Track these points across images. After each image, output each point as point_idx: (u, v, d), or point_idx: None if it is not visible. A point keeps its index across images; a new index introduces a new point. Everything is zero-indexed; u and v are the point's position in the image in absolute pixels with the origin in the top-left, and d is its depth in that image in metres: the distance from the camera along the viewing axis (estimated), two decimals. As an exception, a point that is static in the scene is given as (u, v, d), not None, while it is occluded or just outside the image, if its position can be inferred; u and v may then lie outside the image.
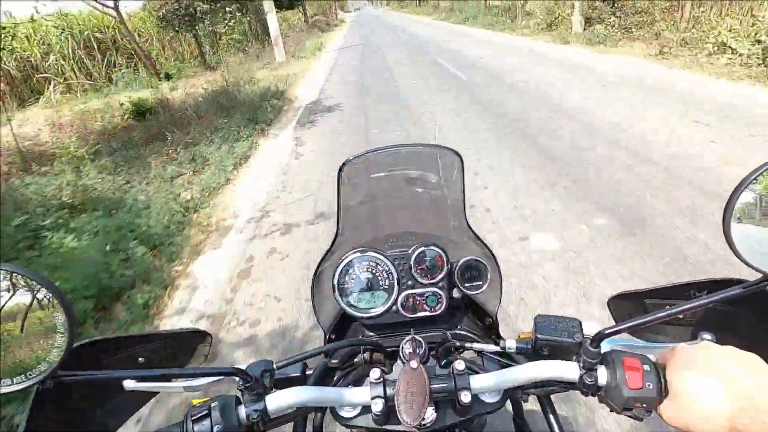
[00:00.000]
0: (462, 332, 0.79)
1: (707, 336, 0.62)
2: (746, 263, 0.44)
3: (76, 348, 0.58)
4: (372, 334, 0.80)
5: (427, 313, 0.78)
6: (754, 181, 0.43)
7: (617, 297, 0.71)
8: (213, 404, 0.52)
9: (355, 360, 0.78)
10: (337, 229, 0.77)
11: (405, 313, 0.77)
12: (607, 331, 0.52)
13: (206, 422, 0.51)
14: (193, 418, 0.51)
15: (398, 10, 55.64)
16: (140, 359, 0.64)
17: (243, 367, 0.60)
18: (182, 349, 0.67)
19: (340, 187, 0.74)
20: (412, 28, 23.32)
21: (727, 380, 0.46)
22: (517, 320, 2.22)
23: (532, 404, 0.74)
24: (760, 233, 0.45)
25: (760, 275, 0.47)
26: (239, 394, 0.56)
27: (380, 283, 0.76)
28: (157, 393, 0.63)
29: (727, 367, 0.47)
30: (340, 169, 0.74)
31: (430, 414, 0.61)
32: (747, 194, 0.44)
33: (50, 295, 0.39)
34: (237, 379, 0.55)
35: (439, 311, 0.78)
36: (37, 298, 0.40)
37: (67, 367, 0.48)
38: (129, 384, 0.58)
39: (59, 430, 0.57)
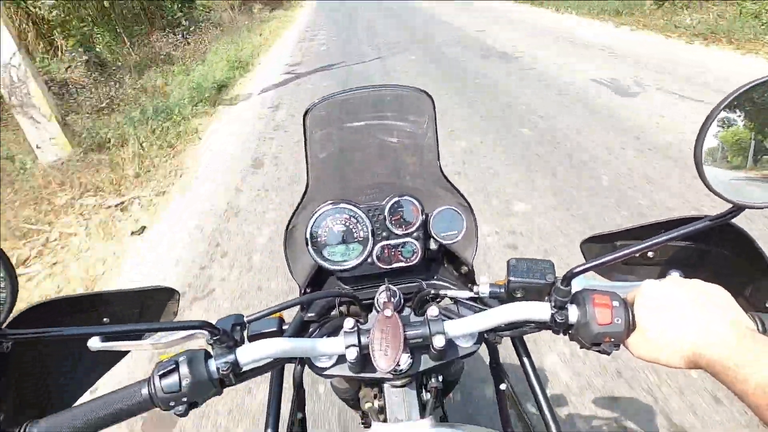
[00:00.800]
0: (438, 282, 0.78)
1: (675, 273, 0.63)
2: (716, 193, 0.44)
3: (31, 308, 0.55)
4: (348, 287, 0.79)
5: (403, 264, 0.77)
6: (723, 110, 0.42)
7: (588, 240, 0.71)
8: (180, 358, 0.51)
9: (332, 313, 0.78)
10: (308, 181, 0.74)
11: (380, 265, 0.76)
12: (577, 269, 0.52)
13: (174, 377, 0.49)
14: (160, 373, 0.49)
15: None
16: (105, 319, 0.62)
17: (212, 321, 0.58)
18: (149, 308, 0.65)
19: (306, 135, 0.71)
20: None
21: (692, 311, 0.47)
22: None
23: (509, 354, 0.76)
24: (729, 165, 0.45)
25: (726, 207, 0.47)
26: (209, 348, 0.55)
27: (354, 235, 0.75)
28: (125, 354, 0.61)
29: (693, 298, 0.48)
30: (305, 115, 0.70)
31: (405, 360, 0.61)
32: (715, 125, 0.43)
33: None
34: (206, 333, 0.53)
35: (415, 262, 0.77)
36: None
37: (23, 328, 0.45)
38: (94, 343, 0.56)
39: (20, 394, 0.55)
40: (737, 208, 0.45)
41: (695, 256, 0.64)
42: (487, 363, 0.88)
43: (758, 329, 0.46)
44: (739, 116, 0.43)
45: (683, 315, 0.47)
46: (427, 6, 13.87)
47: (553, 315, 0.54)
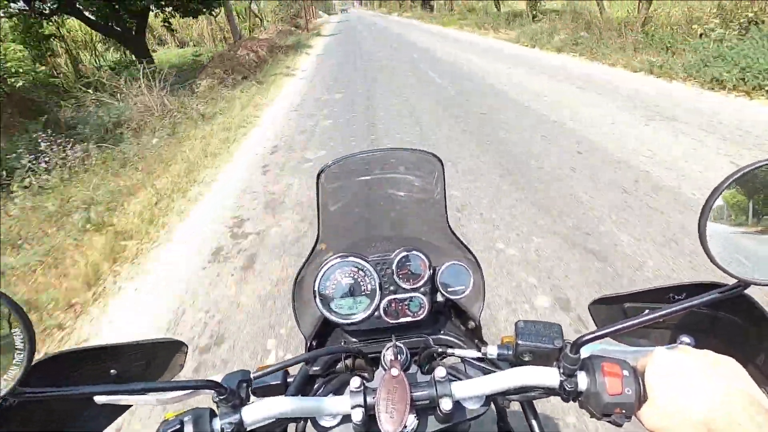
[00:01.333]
0: (444, 337, 0.78)
1: (686, 339, 0.62)
2: (721, 269, 0.45)
3: (41, 362, 0.56)
4: (354, 340, 0.79)
5: (410, 319, 0.77)
6: (728, 188, 0.43)
7: (597, 302, 0.71)
8: (186, 418, 0.51)
9: (337, 367, 0.77)
10: (318, 234, 0.76)
11: (387, 319, 0.76)
12: (586, 337, 0.52)
13: None
14: None
15: (400, 14, 37.75)
16: (112, 371, 0.62)
17: (219, 378, 0.58)
18: (156, 360, 0.65)
19: (319, 192, 0.73)
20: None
21: (704, 384, 0.46)
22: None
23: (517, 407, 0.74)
24: (734, 238, 0.45)
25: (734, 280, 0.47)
26: (215, 406, 0.55)
27: (362, 288, 0.75)
28: (130, 406, 0.61)
29: (704, 370, 0.48)
30: (319, 175, 0.73)
31: (411, 422, 0.60)
32: (720, 201, 0.44)
33: (6, 309, 0.37)
34: (212, 392, 0.53)
35: (422, 316, 0.77)
36: None
37: (32, 384, 0.46)
38: (100, 398, 0.56)
39: None
40: (743, 284, 0.46)
41: (706, 322, 0.63)
42: (495, 422, 0.85)
43: None
44: (745, 193, 0.44)
45: (695, 388, 0.47)
46: (464, 60, 10.05)
47: (562, 382, 0.54)
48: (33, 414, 0.55)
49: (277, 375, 0.68)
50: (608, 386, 0.50)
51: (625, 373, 0.51)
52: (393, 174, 0.77)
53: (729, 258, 0.45)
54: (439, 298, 0.80)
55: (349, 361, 0.77)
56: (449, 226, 0.79)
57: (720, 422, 0.43)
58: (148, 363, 0.65)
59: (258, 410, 0.54)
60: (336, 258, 0.74)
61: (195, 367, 2.13)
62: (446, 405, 0.57)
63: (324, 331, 0.81)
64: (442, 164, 0.74)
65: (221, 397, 0.52)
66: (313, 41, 18.59)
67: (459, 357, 0.69)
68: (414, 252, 0.76)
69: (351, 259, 0.74)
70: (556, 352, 0.56)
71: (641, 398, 0.50)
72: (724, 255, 0.45)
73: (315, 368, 0.75)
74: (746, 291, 0.50)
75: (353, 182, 0.76)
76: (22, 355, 0.38)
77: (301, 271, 0.76)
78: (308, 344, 0.79)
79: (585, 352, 0.55)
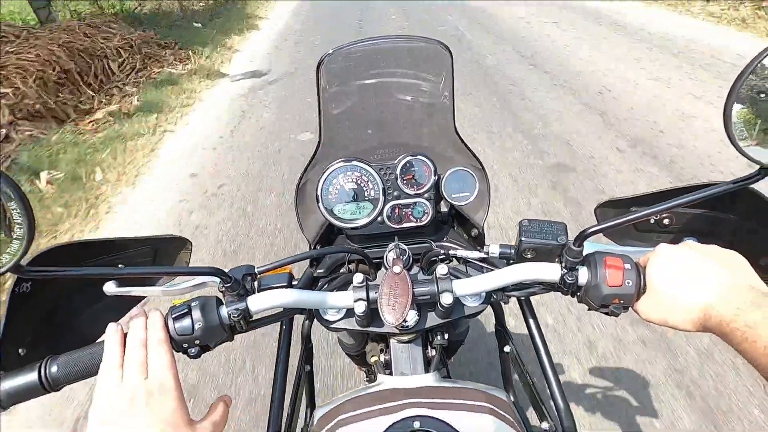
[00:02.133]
0: (447, 243, 0.78)
1: (691, 240, 0.62)
2: (742, 153, 0.42)
3: (50, 250, 0.56)
4: (357, 245, 0.80)
5: (414, 224, 0.77)
6: (754, 71, 0.40)
7: (603, 204, 0.70)
8: (193, 303, 0.52)
9: (341, 270, 0.79)
10: (320, 137, 0.73)
11: (391, 224, 0.76)
12: (590, 230, 0.51)
13: (187, 320, 0.51)
14: (173, 316, 0.51)
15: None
16: (120, 264, 0.63)
17: (226, 269, 0.59)
18: (162, 255, 0.66)
19: (320, 88, 0.70)
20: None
21: (706, 275, 0.46)
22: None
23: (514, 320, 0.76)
24: (759, 124, 0.43)
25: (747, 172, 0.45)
26: (221, 296, 0.56)
27: (366, 193, 0.74)
28: (139, 300, 0.63)
29: (708, 263, 0.47)
30: (318, 66, 0.68)
31: (412, 316, 0.62)
32: (748, 83, 0.41)
33: (1, 185, 0.36)
34: (218, 280, 0.54)
35: (426, 222, 0.77)
36: None
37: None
38: (109, 288, 0.58)
39: (40, 331, 0.57)
40: (762, 172, 0.44)
41: (711, 223, 0.62)
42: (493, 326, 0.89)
43: None
44: None
45: (696, 278, 0.47)
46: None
47: (563, 276, 0.54)
48: (47, 300, 0.57)
49: (281, 276, 0.70)
50: (609, 278, 0.51)
51: (627, 266, 0.51)
52: (398, 72, 0.72)
53: (751, 144, 0.43)
54: (443, 205, 0.79)
55: (352, 265, 0.78)
56: (456, 131, 0.75)
57: (721, 307, 0.43)
58: (154, 258, 0.66)
59: (263, 299, 0.55)
60: (339, 162, 0.73)
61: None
62: (446, 300, 0.58)
63: (327, 236, 0.82)
64: (452, 57, 0.69)
65: (227, 285, 0.53)
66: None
67: (460, 259, 0.69)
68: (419, 157, 0.74)
69: (354, 163, 0.73)
70: (559, 248, 0.56)
71: (641, 290, 0.50)
72: (747, 140, 0.43)
73: (319, 270, 0.76)
74: (755, 186, 0.48)
75: (356, 80, 0.72)
76: (22, 230, 0.38)
77: (304, 175, 0.75)
78: (312, 248, 0.80)
79: (589, 249, 0.55)
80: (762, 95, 0.41)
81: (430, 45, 0.69)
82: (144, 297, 0.62)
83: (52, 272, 0.45)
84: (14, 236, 0.38)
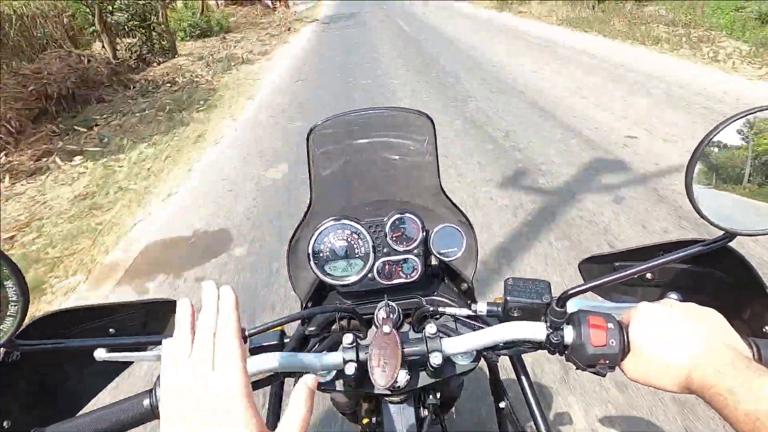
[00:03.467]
0: (437, 298, 0.79)
1: (673, 296, 0.64)
2: (708, 221, 0.45)
3: (40, 319, 0.57)
4: (349, 302, 0.80)
5: (403, 280, 0.78)
6: (710, 143, 0.43)
7: (587, 260, 0.72)
8: None
9: (332, 328, 0.79)
10: (311, 197, 0.76)
11: (381, 281, 0.77)
12: (572, 291, 0.53)
13: None
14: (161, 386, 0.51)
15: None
16: (110, 330, 0.63)
17: None
18: (153, 320, 0.67)
19: (310, 154, 0.73)
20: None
21: (687, 335, 0.47)
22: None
23: (509, 373, 0.76)
24: (720, 192, 0.45)
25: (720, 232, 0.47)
26: None
27: (356, 251, 0.76)
28: (130, 364, 0.63)
29: (687, 322, 0.49)
30: (308, 136, 0.72)
31: (403, 377, 0.62)
32: (706, 154, 0.44)
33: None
34: None
35: (415, 278, 0.78)
36: None
37: (33, 338, 0.47)
38: (100, 354, 0.58)
39: (27, 402, 0.56)
40: (729, 235, 0.46)
41: (693, 278, 0.64)
42: (488, 380, 0.88)
43: (753, 355, 0.47)
44: (734, 142, 0.44)
45: (677, 338, 0.48)
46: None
47: (548, 335, 0.55)
48: (36, 369, 0.57)
49: (273, 334, 0.70)
50: (593, 338, 0.51)
51: (610, 325, 0.52)
52: (385, 136, 0.76)
53: (715, 211, 0.45)
54: (433, 260, 0.81)
55: (344, 322, 0.79)
56: (442, 188, 0.79)
57: (702, 370, 0.44)
58: (145, 323, 0.66)
59: (255, 363, 0.55)
60: (330, 221, 0.75)
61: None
62: (436, 360, 0.58)
63: (319, 293, 0.83)
64: (434, 125, 0.73)
65: None
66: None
67: (450, 315, 0.70)
68: (407, 214, 0.76)
69: (344, 221, 0.75)
70: (544, 307, 0.57)
71: (625, 350, 0.51)
72: (711, 208, 0.45)
73: (311, 328, 0.76)
74: (731, 244, 0.50)
75: (344, 144, 0.76)
76: (16, 307, 0.39)
77: (296, 234, 0.77)
78: (303, 306, 0.80)
79: (572, 306, 0.56)
80: (718, 166, 0.44)
81: (414, 115, 0.74)
82: (133, 362, 0.62)
83: (44, 345, 0.46)
84: (8, 314, 0.39)
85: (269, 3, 18.29)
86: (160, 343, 0.55)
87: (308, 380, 0.42)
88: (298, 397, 0.40)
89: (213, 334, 0.41)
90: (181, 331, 0.41)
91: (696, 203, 0.45)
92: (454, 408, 0.96)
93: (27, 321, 0.54)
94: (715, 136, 0.42)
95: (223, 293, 0.43)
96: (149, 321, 0.66)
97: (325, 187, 0.77)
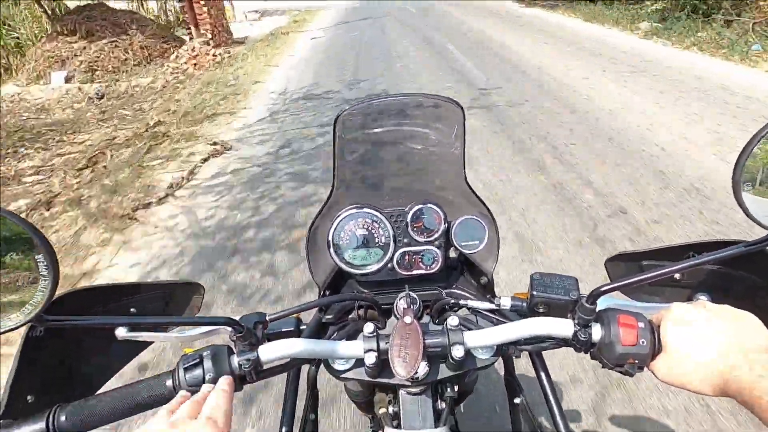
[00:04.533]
0: (457, 291, 0.78)
1: (703, 297, 0.62)
2: (754, 220, 0.43)
3: (65, 296, 0.57)
4: (367, 291, 0.80)
5: (423, 271, 0.77)
6: (761, 141, 0.41)
7: (614, 258, 0.70)
8: (205, 353, 0.52)
9: (350, 316, 0.78)
10: (333, 183, 0.75)
11: (400, 271, 0.77)
12: (603, 289, 0.52)
13: (198, 370, 0.50)
14: (185, 366, 0.51)
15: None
16: (132, 309, 0.63)
17: (237, 317, 0.59)
18: (175, 301, 0.67)
19: (335, 139, 0.72)
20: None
21: (722, 337, 0.46)
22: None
23: (523, 368, 0.75)
24: (766, 191, 0.44)
25: (763, 234, 0.46)
26: (232, 344, 0.56)
27: (376, 240, 0.75)
28: (150, 344, 0.63)
29: (723, 324, 0.47)
30: (335, 121, 0.71)
31: (423, 368, 0.61)
32: (754, 154, 0.42)
33: (31, 237, 0.38)
34: (229, 329, 0.54)
35: (435, 269, 0.77)
36: (18, 241, 0.38)
37: (56, 314, 0.47)
38: (121, 333, 0.58)
39: (49, 378, 0.57)
40: None
41: (724, 280, 0.62)
42: (502, 375, 0.87)
43: None
44: None
45: (713, 340, 0.46)
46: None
47: (576, 332, 0.54)
48: (59, 345, 0.57)
49: (290, 321, 0.70)
50: (623, 336, 0.50)
51: (641, 324, 0.51)
52: (411, 125, 0.74)
53: (761, 211, 0.43)
54: (453, 252, 0.79)
55: (362, 311, 0.78)
56: (466, 180, 0.77)
57: (738, 373, 0.42)
58: (166, 303, 0.66)
59: (274, 349, 0.55)
60: (351, 209, 0.74)
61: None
62: (458, 353, 0.57)
63: (337, 281, 0.82)
64: (464, 114, 0.72)
65: (238, 335, 0.54)
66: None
67: (471, 309, 0.69)
68: (429, 205, 0.75)
69: (366, 210, 0.74)
70: (571, 303, 0.56)
71: (656, 350, 0.50)
72: (757, 208, 0.43)
73: (328, 316, 0.76)
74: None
75: (370, 132, 0.75)
76: (46, 282, 0.39)
77: (316, 221, 0.76)
78: (321, 294, 0.80)
79: (600, 304, 0.55)
80: (766, 166, 0.42)
81: (444, 102, 0.72)
82: (153, 342, 0.62)
83: (70, 321, 0.46)
84: (39, 288, 0.39)
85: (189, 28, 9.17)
86: (180, 324, 0.56)
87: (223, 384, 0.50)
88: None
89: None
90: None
91: (743, 202, 0.43)
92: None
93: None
94: (763, 134, 0.40)
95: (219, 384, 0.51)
96: (171, 302, 0.66)
97: (348, 174, 0.76)
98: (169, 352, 1.87)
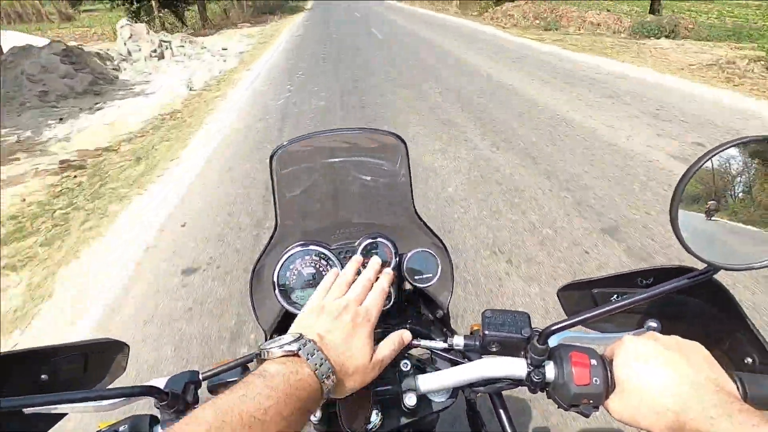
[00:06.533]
0: (411, 327, 0.75)
1: (653, 324, 0.62)
2: (692, 254, 0.43)
3: None
4: None
5: None
6: (695, 173, 0.42)
7: (566, 288, 0.69)
8: (122, 427, 0.46)
9: None
10: (276, 221, 0.71)
11: None
12: (554, 327, 0.50)
13: None
14: None
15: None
16: (42, 377, 0.56)
17: (163, 381, 0.53)
18: (96, 362, 0.60)
19: (273, 176, 0.68)
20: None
21: (672, 373, 0.45)
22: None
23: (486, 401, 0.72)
24: (705, 223, 0.44)
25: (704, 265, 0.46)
26: (158, 411, 0.50)
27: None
28: (63, 416, 0.55)
29: (672, 357, 0.46)
30: (271, 158, 0.67)
31: (375, 418, 0.57)
32: (690, 187, 0.42)
33: None
34: (152, 398, 0.48)
35: (388, 306, 0.74)
36: None
37: None
38: (28, 408, 0.50)
39: None
40: (713, 269, 0.44)
41: (672, 306, 0.63)
42: (464, 411, 0.84)
43: (738, 392, 0.45)
44: (719, 174, 0.42)
45: (663, 376, 0.45)
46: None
47: (529, 373, 0.52)
48: None
49: (234, 372, 0.64)
50: (576, 376, 0.49)
51: (593, 362, 0.49)
52: (354, 157, 0.72)
53: (700, 243, 0.43)
54: (407, 286, 0.77)
55: None
56: (416, 210, 0.75)
57: (690, 411, 0.41)
58: (85, 365, 0.59)
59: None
60: (296, 246, 0.70)
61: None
62: (410, 401, 0.54)
63: (285, 324, 0.77)
64: (406, 145, 0.70)
65: (162, 404, 0.48)
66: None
67: (425, 348, 0.66)
68: (379, 239, 0.72)
69: (312, 247, 0.70)
70: (524, 341, 0.54)
71: (609, 388, 0.49)
72: (695, 240, 0.43)
73: None
74: (715, 276, 0.49)
75: (311, 165, 0.71)
76: None
77: (259, 261, 0.71)
78: (268, 337, 0.74)
79: (553, 340, 0.53)
80: (701, 200, 0.42)
81: (384, 136, 0.70)
82: (67, 413, 0.54)
83: None
84: None
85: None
86: (95, 399, 0.49)
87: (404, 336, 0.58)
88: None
89: (371, 281, 0.60)
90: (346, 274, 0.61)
91: (680, 235, 0.43)
92: None
93: None
94: (701, 165, 0.41)
95: (384, 271, 0.64)
96: (90, 363, 0.59)
97: (291, 210, 0.72)
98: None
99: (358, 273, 0.62)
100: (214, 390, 0.61)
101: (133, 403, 0.53)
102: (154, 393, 0.47)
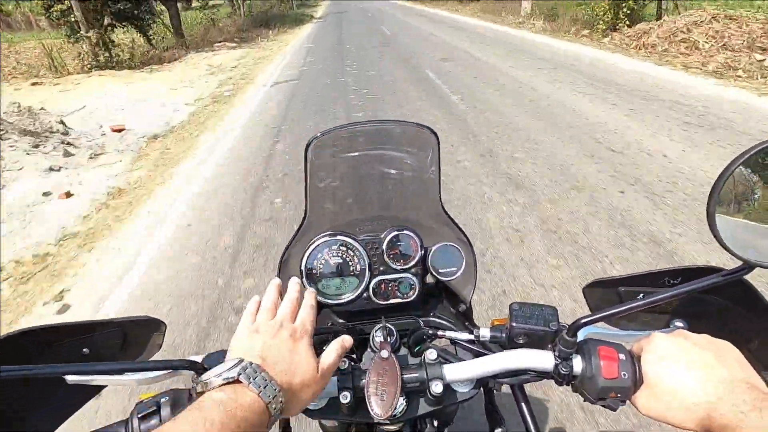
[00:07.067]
0: (435, 319, 0.76)
1: (680, 323, 0.62)
2: (729, 250, 0.43)
3: (8, 339, 0.52)
4: (342, 321, 0.76)
5: (400, 300, 0.75)
6: (735, 171, 0.42)
7: (592, 285, 0.69)
8: (162, 399, 0.48)
9: (324, 347, 0.75)
10: (306, 210, 0.72)
11: (376, 300, 0.74)
12: (583, 320, 0.51)
13: (155, 419, 0.46)
14: (140, 415, 0.46)
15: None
16: (84, 350, 0.58)
17: (200, 358, 0.55)
18: (133, 339, 0.62)
19: (307, 166, 0.70)
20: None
21: (703, 370, 0.45)
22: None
23: (504, 396, 0.73)
24: (740, 222, 0.44)
25: (739, 263, 0.46)
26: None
27: (351, 268, 0.73)
28: (102, 388, 0.58)
29: (703, 355, 0.46)
30: (307, 147, 0.69)
31: (401, 404, 0.59)
32: (731, 181, 0.42)
33: None
34: (191, 372, 0.50)
35: (412, 298, 0.75)
36: None
37: None
38: (72, 378, 0.53)
39: None
40: (748, 266, 0.44)
41: (701, 307, 0.62)
42: (482, 403, 0.84)
43: None
44: (758, 172, 0.42)
45: (694, 373, 0.45)
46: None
47: (556, 365, 0.52)
48: (1, 394, 0.51)
49: None
50: (604, 370, 0.49)
51: (621, 356, 0.50)
52: (385, 150, 0.73)
53: (735, 241, 0.44)
54: (430, 279, 0.77)
55: None
56: (442, 205, 0.76)
57: (722, 408, 0.42)
58: (123, 342, 0.61)
59: None
60: (324, 236, 0.71)
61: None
62: (437, 388, 0.55)
63: None
64: (438, 139, 0.71)
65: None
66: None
67: (450, 339, 0.67)
68: (405, 231, 0.73)
69: (340, 237, 0.71)
70: (551, 335, 0.55)
71: (637, 383, 0.49)
72: (731, 238, 0.43)
73: None
74: (745, 276, 0.49)
75: (343, 157, 0.73)
76: None
77: (288, 250, 0.73)
78: None
79: (580, 335, 0.54)
80: (740, 197, 0.42)
81: (418, 129, 0.71)
82: (106, 386, 0.57)
83: (14, 372, 0.41)
84: None
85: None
86: (135, 370, 0.51)
87: (344, 341, 0.57)
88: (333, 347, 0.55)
89: (297, 299, 0.58)
90: (269, 297, 0.57)
91: (717, 232, 0.43)
92: None
93: None
94: (740, 164, 0.41)
95: (306, 292, 0.61)
96: (127, 340, 0.61)
97: (321, 201, 0.73)
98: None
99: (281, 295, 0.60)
100: None
101: (171, 378, 0.55)
102: (194, 367, 0.49)
